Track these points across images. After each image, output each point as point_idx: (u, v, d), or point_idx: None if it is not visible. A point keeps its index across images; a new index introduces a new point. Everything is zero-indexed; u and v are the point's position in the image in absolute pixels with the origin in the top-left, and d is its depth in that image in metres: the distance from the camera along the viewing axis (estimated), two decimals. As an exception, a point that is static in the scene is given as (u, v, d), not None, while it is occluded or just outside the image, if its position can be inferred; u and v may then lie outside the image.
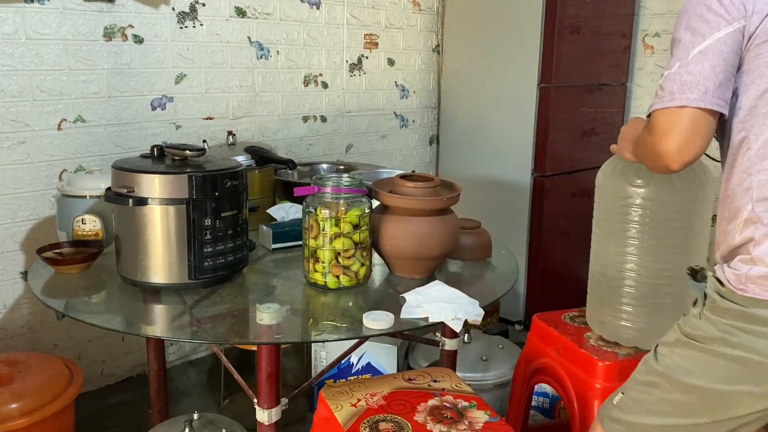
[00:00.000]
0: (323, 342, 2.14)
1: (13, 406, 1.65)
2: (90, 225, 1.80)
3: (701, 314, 1.16)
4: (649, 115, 1.17)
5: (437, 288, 1.51)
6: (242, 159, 2.16)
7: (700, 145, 1.10)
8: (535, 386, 1.94)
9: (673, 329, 1.23)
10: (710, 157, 1.34)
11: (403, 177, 1.63)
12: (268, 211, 2.03)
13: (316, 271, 1.53)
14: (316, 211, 1.51)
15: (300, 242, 1.64)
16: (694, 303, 1.20)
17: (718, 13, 1.09)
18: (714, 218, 1.31)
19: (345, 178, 1.58)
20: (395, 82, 3.32)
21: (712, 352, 1.12)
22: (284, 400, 1.45)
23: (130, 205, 1.45)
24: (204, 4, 2.52)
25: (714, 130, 1.12)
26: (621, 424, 1.25)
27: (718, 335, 1.11)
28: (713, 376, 1.13)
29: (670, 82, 1.12)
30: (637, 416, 1.23)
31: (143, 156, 1.58)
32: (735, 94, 1.13)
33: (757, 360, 1.07)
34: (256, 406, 1.43)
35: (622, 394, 1.28)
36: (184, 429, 1.73)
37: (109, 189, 1.52)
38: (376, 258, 1.65)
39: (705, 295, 1.16)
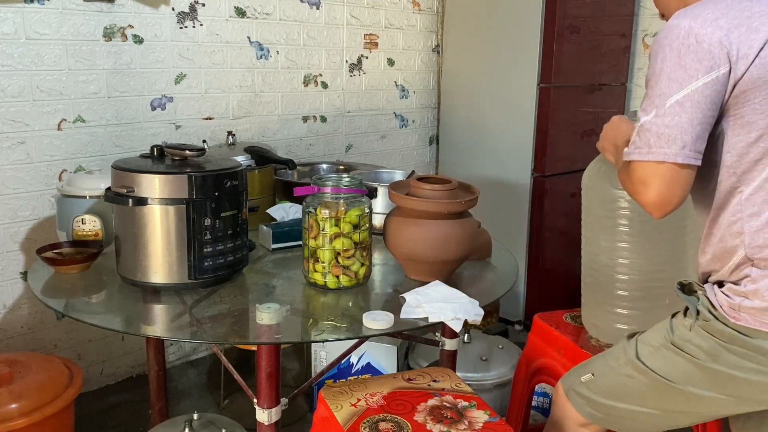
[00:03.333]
0: (323, 342, 2.14)
1: (13, 406, 1.65)
2: (90, 225, 1.80)
3: (692, 327, 1.21)
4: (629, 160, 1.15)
5: (437, 288, 1.51)
6: (242, 159, 2.16)
7: (679, 197, 1.11)
8: (536, 386, 1.94)
9: (659, 331, 1.28)
10: None
11: (421, 179, 1.62)
12: (268, 211, 2.03)
13: (316, 271, 1.53)
14: (315, 211, 1.51)
15: (300, 242, 1.64)
16: (684, 312, 1.25)
17: (697, 58, 1.05)
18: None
19: (345, 178, 1.58)
20: (395, 82, 3.31)
21: (700, 365, 1.19)
22: (284, 400, 1.45)
23: (130, 205, 1.45)
24: (204, 4, 2.52)
25: (692, 179, 1.11)
26: (586, 401, 1.35)
27: (709, 351, 1.17)
28: (697, 383, 1.20)
29: (646, 132, 1.10)
30: (605, 398, 1.32)
31: (143, 156, 1.58)
32: (722, 138, 1.12)
33: (742, 377, 1.14)
34: (256, 406, 1.43)
35: (593, 375, 1.35)
36: (184, 429, 1.73)
37: (108, 189, 1.52)
38: (376, 258, 1.65)
39: (697, 311, 1.21)
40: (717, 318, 1.16)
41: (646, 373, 1.25)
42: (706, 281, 1.23)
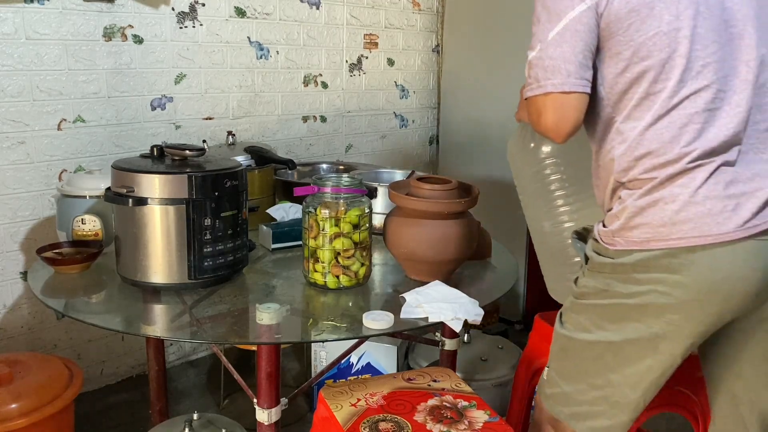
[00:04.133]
0: (323, 342, 2.14)
1: (13, 406, 1.65)
2: (90, 225, 1.80)
3: (584, 273, 1.24)
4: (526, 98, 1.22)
5: (437, 288, 1.51)
6: (242, 159, 2.15)
7: (574, 119, 1.16)
8: (536, 386, 1.94)
9: (569, 294, 1.30)
10: None
11: (421, 179, 1.62)
12: (268, 211, 2.03)
13: (316, 271, 1.53)
14: (315, 211, 1.51)
15: (300, 242, 1.64)
16: (581, 266, 1.28)
17: None
18: None
19: (345, 178, 1.58)
20: (395, 82, 3.31)
21: (598, 306, 1.20)
22: (284, 400, 1.45)
23: (130, 205, 1.45)
24: (204, 4, 2.52)
25: (585, 102, 1.16)
26: (553, 398, 1.33)
27: (599, 289, 1.19)
28: (604, 328, 1.20)
29: (534, 68, 1.17)
30: (562, 386, 1.30)
31: (143, 156, 1.58)
32: (597, 72, 1.18)
33: (634, 303, 1.15)
34: (256, 406, 1.43)
35: (548, 368, 1.36)
36: (184, 429, 1.73)
37: (108, 189, 1.52)
38: (376, 258, 1.65)
39: (587, 257, 1.24)
40: (599, 253, 1.19)
41: (570, 339, 1.26)
42: None
